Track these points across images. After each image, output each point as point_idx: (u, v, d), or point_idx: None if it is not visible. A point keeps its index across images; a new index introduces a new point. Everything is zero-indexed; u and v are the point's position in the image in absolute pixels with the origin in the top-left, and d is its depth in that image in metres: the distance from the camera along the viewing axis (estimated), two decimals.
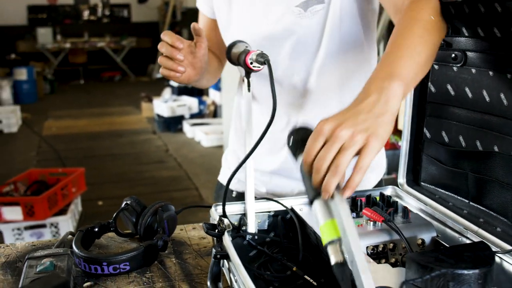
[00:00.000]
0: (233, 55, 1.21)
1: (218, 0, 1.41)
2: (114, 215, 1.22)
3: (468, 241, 1.01)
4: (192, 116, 7.37)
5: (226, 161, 1.60)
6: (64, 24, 13.42)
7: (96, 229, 1.21)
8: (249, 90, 1.16)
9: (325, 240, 0.81)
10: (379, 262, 0.96)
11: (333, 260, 0.79)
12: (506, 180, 1.01)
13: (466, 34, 1.13)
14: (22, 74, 9.63)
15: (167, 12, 11.90)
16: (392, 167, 3.97)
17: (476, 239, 0.99)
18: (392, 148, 3.94)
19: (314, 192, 0.84)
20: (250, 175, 1.13)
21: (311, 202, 0.86)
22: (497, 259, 0.93)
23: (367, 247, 0.99)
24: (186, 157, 6.04)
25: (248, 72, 1.15)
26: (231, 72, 5.82)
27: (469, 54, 1.11)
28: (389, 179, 3.86)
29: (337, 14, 1.26)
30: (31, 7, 13.33)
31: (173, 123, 7.22)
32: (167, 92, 8.17)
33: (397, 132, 3.90)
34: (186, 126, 7.06)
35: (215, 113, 7.46)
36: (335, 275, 0.78)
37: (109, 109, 9.04)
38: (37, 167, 5.36)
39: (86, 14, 13.71)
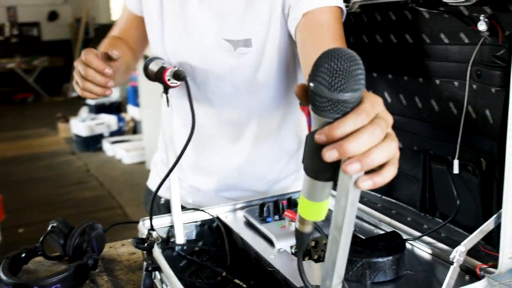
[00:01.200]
0: (150, 72, 1.24)
1: (149, 10, 1.37)
2: (41, 238, 1.21)
3: (382, 232, 1.09)
4: (112, 134, 7.24)
5: (155, 166, 1.61)
6: None
7: (23, 255, 1.19)
8: (168, 105, 1.19)
9: (308, 214, 0.71)
10: (303, 260, 1.02)
11: (301, 227, 0.74)
12: (411, 173, 1.11)
13: (366, 41, 1.22)
14: None
15: (79, 29, 11.63)
16: None
17: (389, 229, 1.07)
18: None
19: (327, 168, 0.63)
20: (175, 188, 1.16)
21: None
22: (408, 246, 1.01)
23: (291, 247, 1.05)
24: (108, 176, 5.92)
25: (166, 88, 1.18)
26: (149, 88, 5.80)
27: (369, 60, 1.21)
28: None
29: (268, 62, 1.28)
30: None
31: (92, 142, 7.06)
32: (84, 111, 7.98)
33: None
34: (106, 144, 6.93)
35: (135, 130, 7.36)
36: (295, 237, 0.75)
37: (24, 132, 8.69)
38: None
39: None
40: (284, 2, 1.20)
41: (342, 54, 0.55)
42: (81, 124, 7.11)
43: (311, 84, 0.57)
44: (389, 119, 0.59)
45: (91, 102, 7.70)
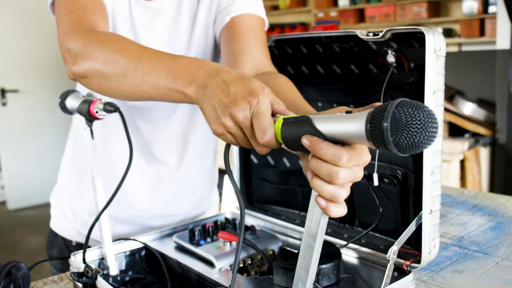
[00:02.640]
0: (70, 104, 1.24)
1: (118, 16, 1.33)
2: None
3: None
4: None
5: (60, 207, 1.56)
6: None
7: None
8: (92, 137, 1.20)
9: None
10: (242, 275, 1.09)
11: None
12: None
13: (292, 72, 1.33)
14: None
15: None
16: None
17: None
18: None
19: None
20: (105, 221, 1.17)
21: None
22: None
23: (230, 265, 1.11)
24: None
25: (91, 120, 1.19)
26: (8, 121, 5.46)
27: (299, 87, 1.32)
28: None
29: None
30: None
31: None
32: None
33: None
34: None
35: None
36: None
37: None
38: None
39: None
40: (216, 12, 1.33)
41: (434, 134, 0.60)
42: None
43: (391, 138, 0.59)
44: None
45: None
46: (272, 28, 3.92)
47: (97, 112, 1.16)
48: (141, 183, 1.44)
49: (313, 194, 0.73)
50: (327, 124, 0.67)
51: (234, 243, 1.17)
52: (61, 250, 1.55)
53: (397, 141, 0.58)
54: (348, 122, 0.64)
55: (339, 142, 0.67)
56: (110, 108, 1.14)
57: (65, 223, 1.52)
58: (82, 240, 1.50)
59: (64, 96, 1.26)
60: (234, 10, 1.28)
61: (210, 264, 1.12)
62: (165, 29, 1.35)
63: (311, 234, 0.76)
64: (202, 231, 1.24)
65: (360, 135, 0.62)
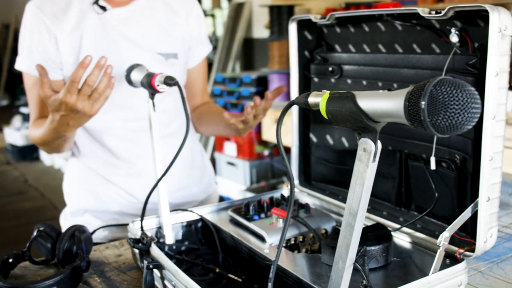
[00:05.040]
0: (134, 77, 1.29)
1: (63, 45, 1.45)
2: (28, 243, 1.23)
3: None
4: None
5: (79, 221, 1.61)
6: None
7: (10, 260, 1.20)
8: (154, 110, 1.24)
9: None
10: (292, 252, 1.10)
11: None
12: (386, 171, 1.21)
13: (340, 51, 1.32)
14: None
15: (8, 36, 11.23)
16: (261, 175, 4.21)
17: (369, 223, 1.16)
18: (258, 158, 4.16)
19: None
20: (163, 190, 1.21)
21: None
22: None
23: None
24: (48, 185, 5.77)
25: (153, 94, 1.23)
26: None
27: (344, 67, 1.30)
28: (258, 188, 4.07)
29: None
30: None
31: (29, 152, 6.85)
32: (17, 119, 7.72)
33: (261, 142, 4.13)
34: (43, 153, 6.75)
35: None
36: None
37: None
38: None
39: None
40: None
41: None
42: (16, 133, 6.88)
43: (428, 119, 0.58)
44: None
45: (25, 111, 7.46)
46: (348, 6, 3.84)
47: (158, 85, 1.20)
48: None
49: (355, 171, 0.72)
50: (368, 101, 0.66)
51: None
52: None
53: (434, 121, 0.56)
54: (388, 100, 0.62)
55: (380, 119, 0.65)
56: (170, 81, 1.17)
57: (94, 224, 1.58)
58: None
59: (129, 69, 1.31)
60: (192, 61, 1.66)
61: (261, 239, 1.13)
62: (141, 25, 1.51)
63: (351, 213, 0.75)
64: (257, 207, 1.25)
65: (399, 113, 0.60)
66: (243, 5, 5.15)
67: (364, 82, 1.25)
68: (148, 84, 1.22)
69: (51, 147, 1.47)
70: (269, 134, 3.97)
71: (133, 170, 1.54)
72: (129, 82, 1.31)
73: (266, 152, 4.12)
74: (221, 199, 4.23)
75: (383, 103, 0.64)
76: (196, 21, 1.62)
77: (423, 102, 0.56)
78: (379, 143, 0.70)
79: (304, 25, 1.35)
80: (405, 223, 1.12)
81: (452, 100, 0.55)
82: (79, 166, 1.60)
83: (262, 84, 4.07)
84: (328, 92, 0.74)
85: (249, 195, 4.05)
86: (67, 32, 1.44)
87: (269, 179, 4.16)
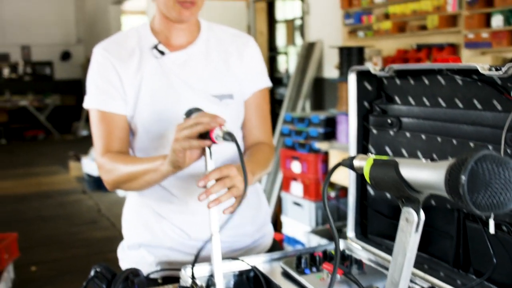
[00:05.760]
0: None
1: (127, 85, 1.50)
2: (85, 283, 1.27)
3: (417, 287, 1.13)
4: None
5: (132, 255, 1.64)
6: None
7: None
8: (211, 158, 1.27)
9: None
10: None
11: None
12: (443, 229, 1.16)
13: (399, 103, 1.30)
14: None
15: None
16: (325, 218, 4.15)
17: (424, 284, 1.12)
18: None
19: None
20: (216, 238, 1.22)
21: None
22: None
23: None
24: (119, 216, 5.90)
25: (210, 145, 1.26)
26: None
27: (403, 119, 1.28)
28: (323, 230, 4.02)
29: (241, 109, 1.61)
30: None
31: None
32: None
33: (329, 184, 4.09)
34: None
35: None
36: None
37: (35, 169, 8.77)
38: None
39: (6, 72, 13.38)
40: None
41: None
42: (93, 164, 7.17)
43: (468, 196, 0.55)
44: None
45: None
46: (419, 48, 3.78)
47: (216, 138, 1.22)
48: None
49: (397, 241, 0.70)
50: (411, 170, 0.64)
51: (338, 276, 1.15)
52: None
53: (474, 199, 0.54)
54: (430, 170, 0.60)
55: (422, 189, 0.63)
56: (228, 138, 1.19)
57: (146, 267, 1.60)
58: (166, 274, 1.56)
59: (188, 113, 1.33)
60: (248, 92, 1.62)
61: None
62: (197, 68, 1.55)
63: (393, 283, 0.73)
64: (310, 259, 1.23)
65: (439, 185, 0.58)
66: (314, 45, 5.19)
67: (423, 136, 1.22)
68: (205, 135, 1.24)
69: (133, 185, 1.49)
70: (336, 176, 3.93)
71: (187, 207, 1.56)
72: None
73: (332, 194, 4.07)
74: (278, 238, 4.20)
75: (425, 174, 0.62)
76: (250, 58, 1.64)
77: (463, 177, 0.54)
78: (422, 214, 0.68)
79: (364, 75, 1.34)
80: (463, 286, 1.07)
81: (494, 178, 0.53)
82: (136, 201, 1.65)
83: (330, 125, 4.05)
84: (373, 157, 0.73)
85: (314, 237, 4.00)
86: (130, 74, 1.50)
87: (335, 221, 4.10)
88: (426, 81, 1.20)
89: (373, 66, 1.27)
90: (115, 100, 1.50)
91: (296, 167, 4.22)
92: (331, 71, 4.99)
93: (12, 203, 6.67)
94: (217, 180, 1.25)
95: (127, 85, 1.50)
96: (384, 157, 0.72)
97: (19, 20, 13.03)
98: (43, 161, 9.49)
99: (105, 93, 1.50)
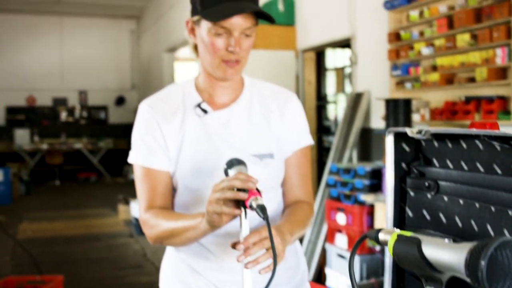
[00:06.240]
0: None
1: (169, 142, 1.54)
2: None
3: None
4: None
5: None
6: (42, 125, 13.61)
7: None
8: (246, 217, 1.28)
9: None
10: None
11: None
12: None
13: (437, 165, 1.28)
14: None
15: None
16: (371, 271, 4.05)
17: None
18: (369, 252, 4.03)
19: None
20: None
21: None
22: None
23: None
24: None
25: (240, 214, 1.28)
26: None
27: (441, 183, 1.25)
28: (368, 284, 3.91)
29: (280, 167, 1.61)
30: (9, 108, 13.54)
31: None
32: None
33: None
34: None
35: None
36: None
37: (85, 211, 9.00)
38: (12, 273, 5.26)
39: (64, 115, 13.95)
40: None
41: None
42: None
43: (487, 284, 0.55)
44: None
45: None
46: (468, 101, 3.72)
47: (250, 206, 1.23)
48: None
49: None
50: (433, 249, 0.63)
51: None
52: None
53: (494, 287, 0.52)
54: (451, 251, 0.59)
55: (444, 270, 0.62)
56: (260, 213, 1.20)
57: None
58: None
59: (229, 164, 1.34)
60: (289, 150, 1.63)
61: None
62: (239, 127, 1.57)
63: None
64: None
65: (460, 267, 0.57)
66: (361, 95, 5.20)
67: (461, 201, 1.19)
68: (242, 201, 1.25)
69: (174, 241, 1.50)
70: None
71: (222, 265, 1.56)
72: (226, 175, 1.35)
73: (377, 248, 3.98)
74: None
75: (447, 254, 0.60)
76: (291, 116, 1.64)
77: (482, 262, 0.53)
78: None
79: (401, 136, 1.33)
80: None
81: None
82: (173, 255, 1.66)
83: (376, 177, 4.00)
84: (397, 233, 0.72)
85: None
86: (173, 131, 1.54)
87: (379, 276, 3.99)
88: (464, 145, 1.18)
89: (410, 129, 1.26)
90: (158, 157, 1.53)
91: (341, 218, 4.17)
92: (378, 122, 4.96)
93: (62, 244, 6.83)
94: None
95: (170, 141, 1.54)
96: (408, 233, 0.71)
97: (78, 66, 13.66)
98: (94, 203, 9.72)
99: (149, 149, 1.54)
